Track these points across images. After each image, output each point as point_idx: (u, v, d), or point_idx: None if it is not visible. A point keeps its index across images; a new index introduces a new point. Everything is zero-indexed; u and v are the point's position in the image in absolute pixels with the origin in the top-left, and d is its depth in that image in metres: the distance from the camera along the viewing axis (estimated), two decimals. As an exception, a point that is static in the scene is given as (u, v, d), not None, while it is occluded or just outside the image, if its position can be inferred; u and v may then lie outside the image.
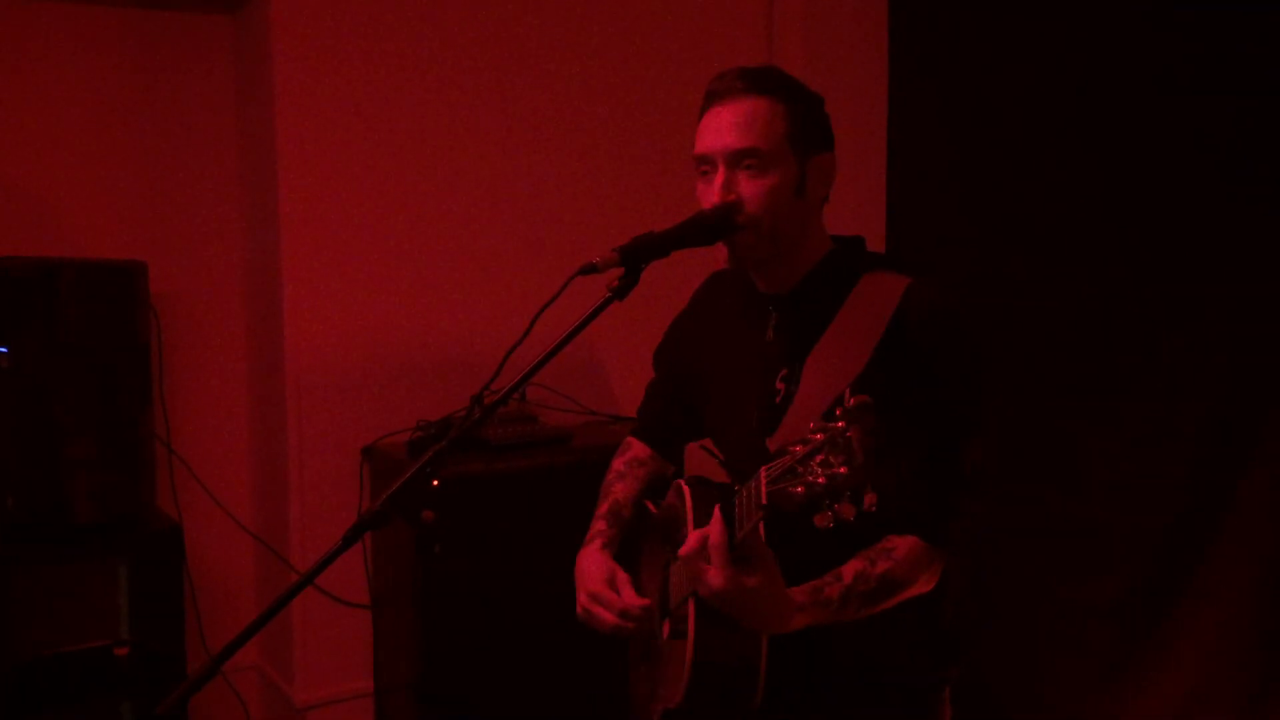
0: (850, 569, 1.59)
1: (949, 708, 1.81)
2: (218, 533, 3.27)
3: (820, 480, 1.27)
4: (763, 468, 1.37)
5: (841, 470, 1.26)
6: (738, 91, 1.66)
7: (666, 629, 1.79)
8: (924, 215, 3.37)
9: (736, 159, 1.65)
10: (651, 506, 1.97)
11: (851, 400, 1.27)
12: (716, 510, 1.50)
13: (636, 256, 1.57)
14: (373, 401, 3.16)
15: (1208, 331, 2.82)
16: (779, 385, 1.72)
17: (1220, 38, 2.75)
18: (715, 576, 1.46)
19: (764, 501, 1.35)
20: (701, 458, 2.04)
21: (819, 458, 1.28)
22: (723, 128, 1.66)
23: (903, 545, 1.62)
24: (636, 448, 2.07)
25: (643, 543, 1.98)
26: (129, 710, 2.76)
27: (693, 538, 1.50)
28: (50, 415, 2.61)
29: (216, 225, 3.28)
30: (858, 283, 1.70)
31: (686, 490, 1.78)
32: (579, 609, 1.83)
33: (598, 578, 1.81)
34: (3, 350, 2.56)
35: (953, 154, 3.31)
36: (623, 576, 1.82)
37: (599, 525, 1.95)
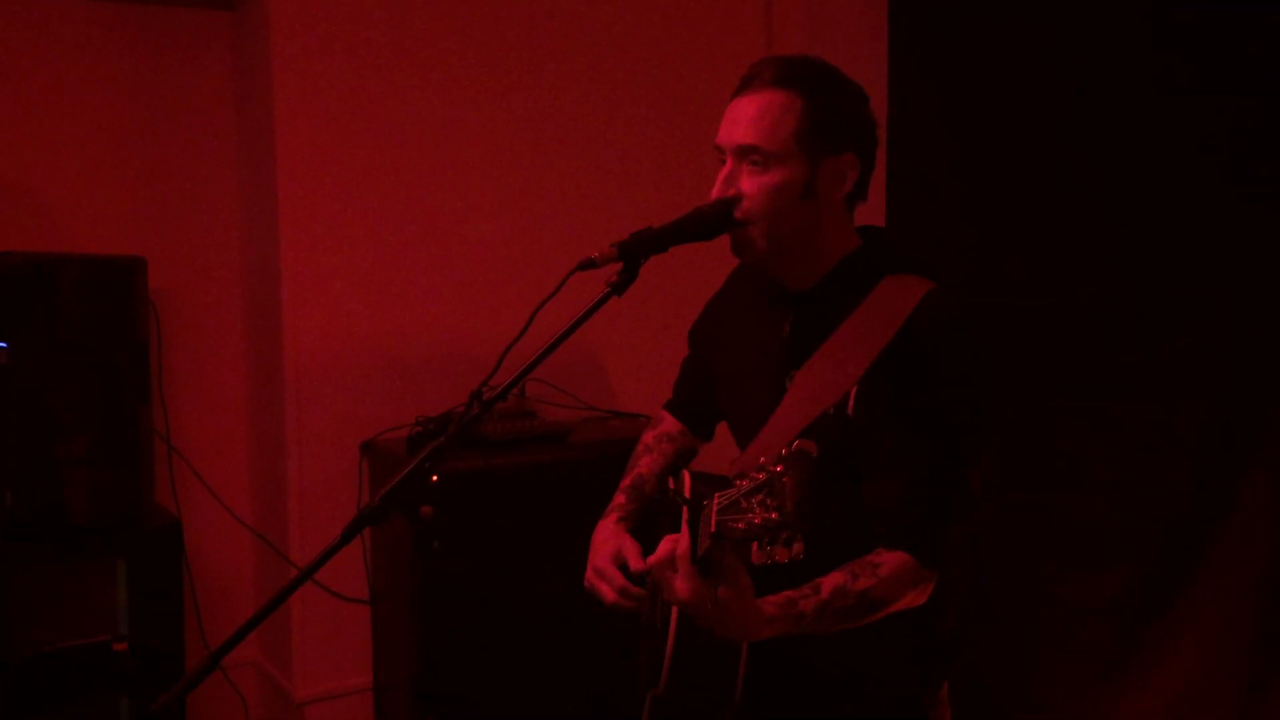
0: (830, 582, 1.56)
1: (948, 708, 1.80)
2: (217, 528, 3.28)
3: (757, 520, 1.28)
4: (716, 494, 1.38)
5: (773, 515, 1.27)
6: (762, 82, 1.64)
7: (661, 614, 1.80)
8: (923, 215, 3.37)
9: (742, 153, 1.65)
10: (673, 485, 1.98)
11: (796, 444, 1.27)
12: (684, 522, 1.50)
13: (635, 252, 1.57)
14: (372, 397, 3.16)
15: (1208, 332, 2.82)
16: (787, 384, 1.71)
17: (1220, 37, 2.75)
18: (681, 586, 1.46)
19: (712, 529, 1.37)
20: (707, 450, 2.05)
21: (758, 497, 1.29)
22: (736, 120, 1.65)
23: (890, 562, 1.59)
24: (668, 422, 2.08)
25: (662, 519, 1.98)
26: (128, 706, 2.76)
27: (662, 546, 1.50)
28: (49, 412, 2.61)
29: (216, 221, 3.28)
30: (876, 286, 1.67)
31: (688, 482, 1.80)
32: (585, 581, 1.85)
33: (606, 553, 1.83)
34: (2, 346, 2.56)
35: (952, 154, 3.31)
36: (631, 549, 1.82)
37: (619, 499, 1.96)
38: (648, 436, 2.06)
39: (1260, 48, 2.70)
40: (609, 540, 1.85)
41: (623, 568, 1.82)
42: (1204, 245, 2.83)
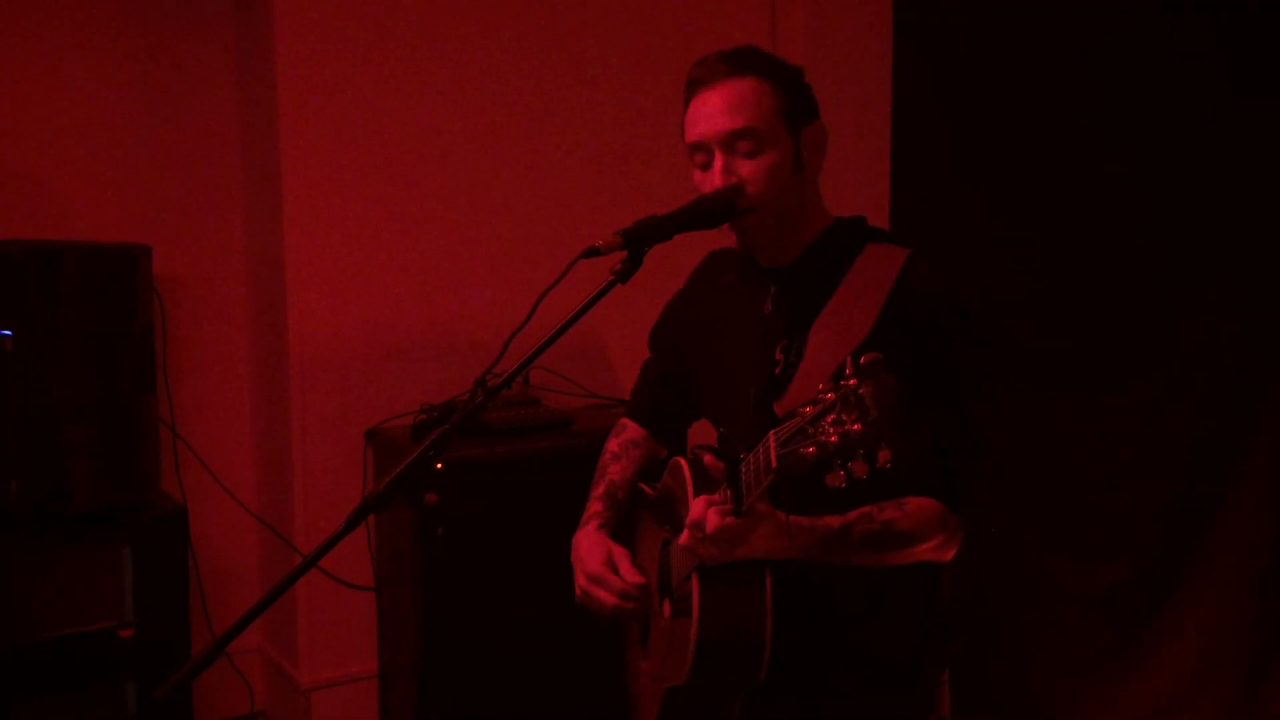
0: (856, 511, 1.60)
1: (947, 690, 1.81)
2: (222, 516, 3.28)
3: (833, 439, 1.25)
4: (771, 431, 1.35)
5: (855, 427, 1.23)
6: (721, 74, 1.67)
7: (667, 609, 1.79)
8: (926, 207, 3.37)
9: (731, 142, 1.66)
10: (646, 488, 1.98)
11: (864, 358, 1.25)
12: (723, 489, 1.50)
13: (639, 240, 1.57)
14: (376, 385, 3.16)
15: (1203, 323, 2.83)
16: (778, 356, 1.72)
17: (1223, 30, 2.74)
18: (713, 520, 1.47)
19: (774, 465, 1.33)
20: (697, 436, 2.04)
21: (831, 416, 1.26)
22: (713, 112, 1.66)
23: (916, 501, 1.62)
24: (631, 429, 2.07)
25: (638, 524, 1.98)
26: (133, 692, 2.77)
27: (695, 507, 1.51)
28: (54, 399, 2.62)
29: (219, 208, 3.28)
30: (859, 255, 1.71)
31: (685, 467, 1.78)
32: (577, 591, 1.84)
33: (596, 559, 1.82)
34: (6, 334, 2.56)
35: (956, 147, 3.31)
36: (620, 552, 1.83)
37: (595, 506, 1.96)
38: (613, 444, 2.06)
39: (1263, 43, 2.69)
40: (596, 547, 1.85)
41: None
42: (1201, 237, 2.83)
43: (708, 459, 1.61)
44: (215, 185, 3.27)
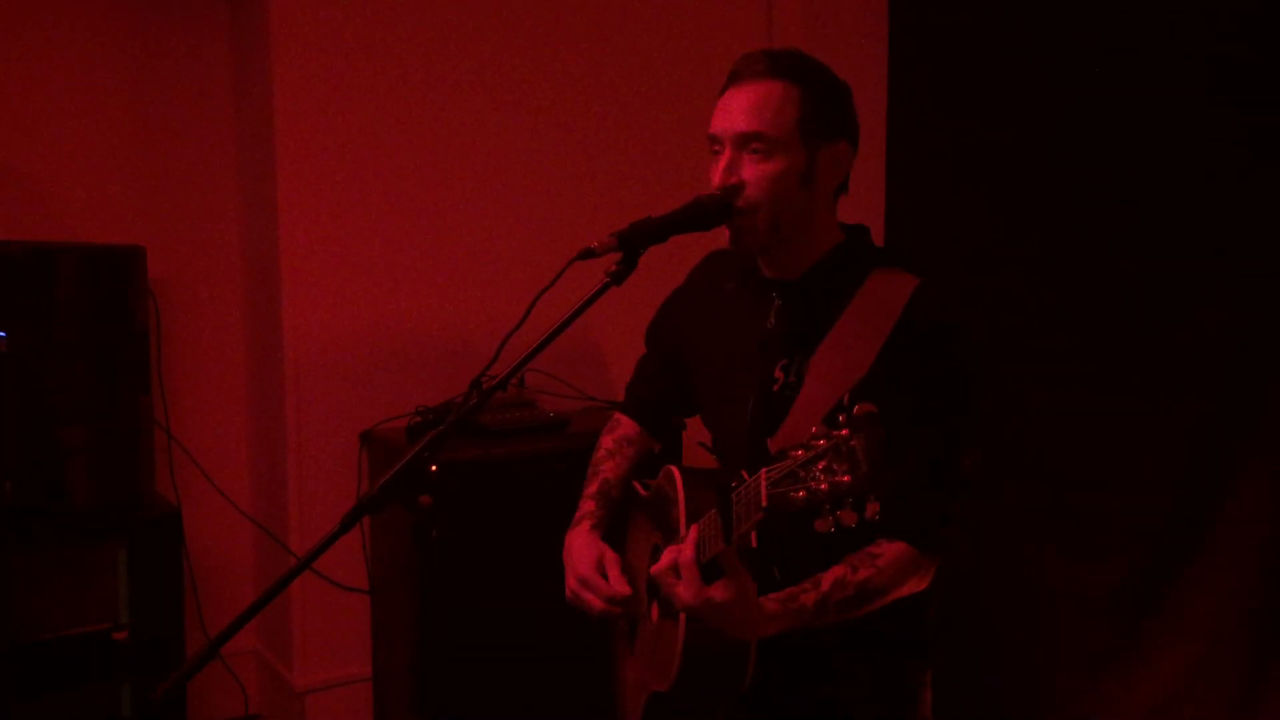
0: (830, 576, 1.60)
1: (930, 691, 1.82)
2: (217, 517, 3.28)
3: (823, 486, 1.28)
4: (764, 469, 1.37)
5: (845, 479, 1.27)
6: (757, 74, 1.66)
7: (655, 611, 1.80)
8: (923, 204, 3.37)
9: (743, 141, 1.65)
10: (639, 487, 1.98)
11: (858, 409, 1.27)
12: (693, 530, 1.54)
13: (634, 241, 1.57)
14: (371, 387, 3.16)
15: (1204, 321, 2.83)
16: (778, 374, 1.72)
17: (1223, 24, 2.75)
18: (684, 591, 1.51)
19: (764, 504, 1.36)
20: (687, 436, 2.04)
21: (822, 464, 1.29)
22: (734, 109, 1.66)
23: (889, 552, 1.62)
24: (625, 425, 2.07)
25: (630, 522, 1.99)
26: (128, 693, 2.77)
27: (666, 555, 1.55)
28: (49, 400, 2.62)
29: (215, 210, 3.28)
30: (866, 278, 1.69)
31: (679, 478, 1.79)
32: (568, 592, 1.85)
33: (587, 561, 1.83)
34: (1, 335, 2.56)
35: (952, 146, 3.30)
36: (611, 557, 1.83)
37: (588, 505, 1.96)
38: (606, 441, 2.06)
39: (1263, 43, 2.70)
40: (587, 549, 1.85)
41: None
42: (1201, 238, 2.83)
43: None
44: (210, 186, 3.27)
